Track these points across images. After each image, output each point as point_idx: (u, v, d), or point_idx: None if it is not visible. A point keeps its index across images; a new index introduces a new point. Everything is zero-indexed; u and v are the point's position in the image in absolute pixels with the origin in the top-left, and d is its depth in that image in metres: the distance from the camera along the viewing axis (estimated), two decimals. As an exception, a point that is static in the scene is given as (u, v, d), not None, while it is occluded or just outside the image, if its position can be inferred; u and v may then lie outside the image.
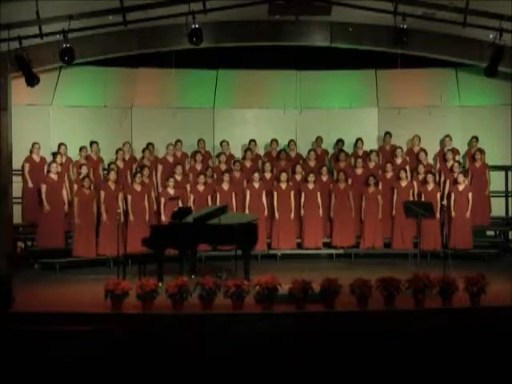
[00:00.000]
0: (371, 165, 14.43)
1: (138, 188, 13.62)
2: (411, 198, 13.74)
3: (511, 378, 7.36)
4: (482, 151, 14.43)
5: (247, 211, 13.73)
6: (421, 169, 14.12)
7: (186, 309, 9.66)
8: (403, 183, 13.99)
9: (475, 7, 11.19)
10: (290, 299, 9.69)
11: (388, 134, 14.90)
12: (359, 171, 14.35)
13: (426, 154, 14.50)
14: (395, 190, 13.98)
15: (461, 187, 13.70)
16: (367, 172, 14.24)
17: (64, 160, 13.98)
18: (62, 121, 14.60)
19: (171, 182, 13.69)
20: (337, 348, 7.87)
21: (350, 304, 9.73)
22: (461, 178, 13.71)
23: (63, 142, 14.07)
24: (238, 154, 15.07)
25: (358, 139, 14.80)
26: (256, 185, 14.00)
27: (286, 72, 15.41)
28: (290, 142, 14.95)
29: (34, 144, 13.88)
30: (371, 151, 14.61)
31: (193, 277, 11.62)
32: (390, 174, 14.18)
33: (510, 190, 14.82)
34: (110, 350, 7.87)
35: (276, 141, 14.98)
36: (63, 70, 14.31)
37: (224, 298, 9.69)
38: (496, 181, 14.65)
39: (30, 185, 13.72)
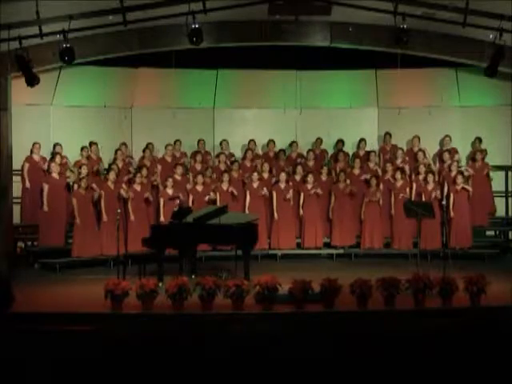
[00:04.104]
0: (370, 165, 14.43)
1: (138, 188, 13.62)
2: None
3: (511, 377, 7.35)
4: (482, 151, 14.42)
5: (247, 211, 13.74)
6: (420, 169, 14.11)
7: (186, 309, 9.66)
8: (398, 183, 13.97)
9: (475, 7, 11.19)
10: (290, 299, 9.70)
11: (388, 134, 14.91)
12: (357, 171, 14.35)
13: (425, 154, 14.50)
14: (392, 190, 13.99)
15: (459, 187, 13.70)
16: (365, 172, 14.24)
17: (63, 160, 13.98)
18: (62, 121, 14.60)
19: (170, 182, 13.69)
20: (336, 348, 7.87)
21: (350, 304, 9.72)
22: (459, 177, 13.71)
23: (59, 142, 14.07)
24: (238, 154, 15.07)
25: (361, 139, 14.80)
26: (255, 185, 14.00)
27: (286, 72, 15.40)
28: (292, 143, 14.94)
29: (34, 144, 13.87)
30: (370, 152, 14.61)
31: (193, 277, 11.62)
32: (389, 174, 14.17)
33: (510, 189, 14.82)
34: (110, 350, 7.87)
35: (273, 141, 14.97)
36: (63, 70, 14.31)
37: (224, 298, 9.70)
38: (496, 181, 14.64)
39: (28, 185, 13.68)
